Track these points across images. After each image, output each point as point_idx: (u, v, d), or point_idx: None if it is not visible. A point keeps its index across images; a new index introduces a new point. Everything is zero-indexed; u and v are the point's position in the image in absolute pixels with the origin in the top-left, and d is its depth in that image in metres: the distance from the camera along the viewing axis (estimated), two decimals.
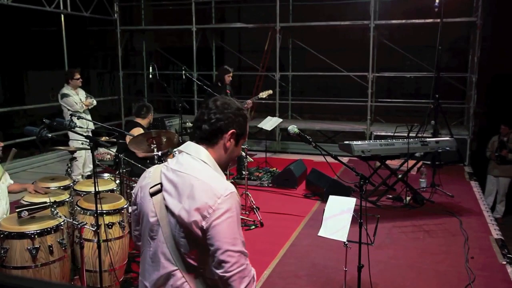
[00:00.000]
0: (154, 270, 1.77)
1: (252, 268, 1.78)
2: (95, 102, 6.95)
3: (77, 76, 6.74)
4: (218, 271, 1.66)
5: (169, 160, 1.83)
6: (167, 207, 1.71)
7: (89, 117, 6.73)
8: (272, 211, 5.59)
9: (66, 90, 6.68)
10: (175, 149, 1.88)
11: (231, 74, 6.99)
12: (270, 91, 7.29)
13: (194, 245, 1.68)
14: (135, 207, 1.86)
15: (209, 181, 1.69)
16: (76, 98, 6.72)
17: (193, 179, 1.69)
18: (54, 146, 5.49)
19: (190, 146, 1.79)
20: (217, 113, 1.77)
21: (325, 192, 5.73)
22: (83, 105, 6.69)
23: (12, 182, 4.02)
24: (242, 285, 1.69)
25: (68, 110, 6.54)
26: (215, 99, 1.83)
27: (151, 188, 1.76)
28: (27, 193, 3.79)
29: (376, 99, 9.64)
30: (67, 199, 3.74)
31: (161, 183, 1.75)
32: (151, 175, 1.81)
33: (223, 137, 1.79)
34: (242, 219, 5.18)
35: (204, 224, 1.63)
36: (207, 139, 1.78)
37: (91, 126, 6.63)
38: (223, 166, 1.84)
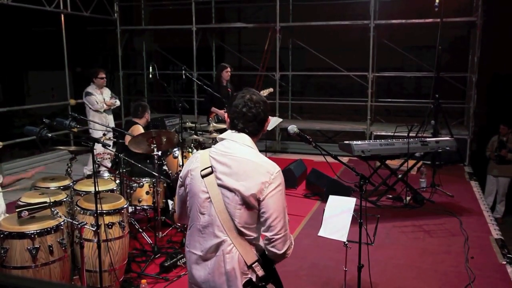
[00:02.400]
0: (206, 240, 2.08)
1: (291, 236, 2.15)
2: (118, 103, 7.15)
3: (102, 75, 6.89)
4: (268, 234, 2.04)
5: (213, 146, 2.14)
6: (221, 185, 2.03)
7: (111, 116, 7.01)
8: None
9: (90, 89, 6.86)
10: (218, 136, 2.19)
11: (228, 69, 6.99)
12: (271, 89, 7.29)
13: (248, 215, 2.02)
14: (182, 188, 2.18)
15: (260, 161, 2.05)
16: (99, 98, 6.89)
17: (245, 161, 2.03)
18: (54, 146, 5.49)
19: (233, 134, 2.11)
20: (262, 109, 2.10)
21: (325, 192, 5.73)
22: (104, 104, 6.86)
23: (1, 176, 4.02)
24: (284, 247, 2.07)
25: (90, 108, 6.76)
26: (250, 94, 2.12)
27: (202, 170, 2.07)
28: (25, 193, 3.78)
29: (376, 99, 9.64)
30: (65, 199, 3.73)
31: (211, 166, 2.06)
32: (199, 160, 2.11)
33: (265, 125, 2.16)
34: None
35: (260, 196, 2.00)
36: (254, 132, 2.12)
37: (112, 123, 6.94)
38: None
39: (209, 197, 2.05)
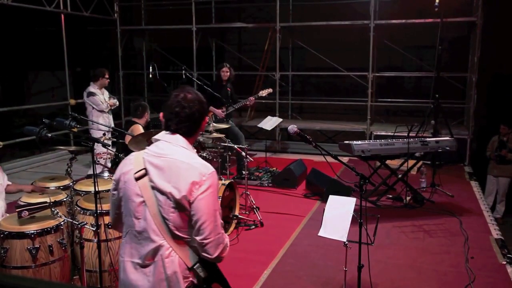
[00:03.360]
0: (143, 246, 2.01)
1: (227, 237, 2.10)
2: (117, 103, 7.24)
3: (107, 75, 7.02)
4: (197, 238, 1.96)
5: (147, 148, 2.07)
6: (154, 188, 1.97)
7: (111, 116, 7.14)
8: (272, 211, 5.59)
9: (92, 89, 6.89)
10: (152, 138, 2.12)
11: (224, 69, 6.99)
12: (270, 90, 7.29)
13: (181, 218, 1.96)
14: (115, 192, 2.10)
15: (193, 162, 1.99)
16: (101, 98, 6.97)
17: (178, 162, 1.97)
18: (54, 146, 5.50)
19: (166, 136, 2.06)
20: (196, 108, 2.04)
21: (325, 192, 5.73)
22: (108, 104, 6.97)
23: (9, 183, 4.03)
24: (216, 251, 2.00)
25: (93, 108, 6.83)
26: (184, 93, 2.06)
27: (135, 173, 2.00)
28: (25, 193, 3.78)
29: (376, 99, 9.63)
30: (65, 199, 3.73)
31: (145, 168, 1.99)
32: (133, 162, 2.05)
33: (201, 125, 2.11)
34: (242, 219, 5.20)
35: (191, 198, 1.93)
36: (188, 133, 2.06)
37: (112, 124, 7.07)
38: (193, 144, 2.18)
39: (144, 201, 1.98)
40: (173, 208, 1.95)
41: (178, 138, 2.04)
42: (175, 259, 1.97)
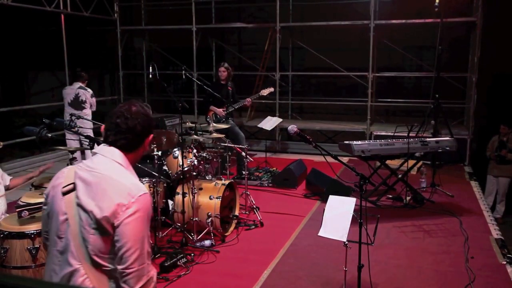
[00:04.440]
0: (61, 268, 1.82)
1: (153, 269, 1.86)
2: None
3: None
4: (119, 266, 1.75)
5: (83, 161, 1.92)
6: (79, 205, 1.78)
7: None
8: (272, 211, 5.59)
9: (90, 89, 7.16)
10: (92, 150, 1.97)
11: (221, 68, 7.00)
12: (272, 89, 7.29)
13: (102, 241, 1.75)
14: (46, 207, 1.91)
15: (124, 181, 1.80)
16: None
17: (107, 178, 1.79)
18: (54, 146, 5.50)
19: (103, 148, 1.88)
20: (139, 121, 1.88)
21: (325, 192, 5.73)
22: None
23: (10, 177, 4.03)
24: (138, 284, 1.77)
25: (89, 108, 7.10)
26: (129, 105, 1.91)
27: (64, 187, 1.83)
28: (25, 193, 3.78)
29: (376, 99, 9.63)
30: None
31: (74, 183, 1.82)
32: (65, 175, 1.88)
33: (144, 142, 1.94)
34: (242, 219, 5.19)
35: (115, 221, 1.73)
36: (128, 148, 1.89)
37: None
38: (134, 164, 1.97)
39: (67, 218, 1.80)
40: (93, 229, 1.75)
41: (114, 152, 1.86)
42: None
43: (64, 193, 1.82)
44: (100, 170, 1.81)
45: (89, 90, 7.10)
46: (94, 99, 7.14)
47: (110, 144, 1.88)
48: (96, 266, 1.78)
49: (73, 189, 1.81)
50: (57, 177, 1.91)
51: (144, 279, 1.78)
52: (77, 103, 7.02)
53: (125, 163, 1.88)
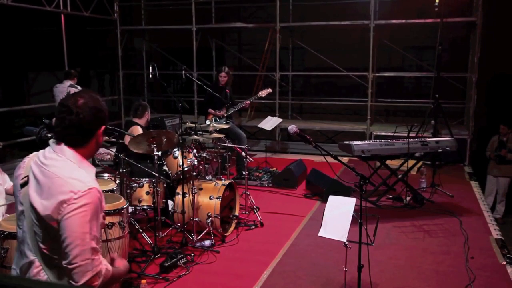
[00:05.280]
0: (21, 257, 1.87)
1: (101, 264, 1.82)
2: None
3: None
4: (63, 262, 1.75)
5: (39, 154, 1.88)
6: (30, 200, 1.80)
7: None
8: (272, 211, 5.59)
9: (78, 86, 7.32)
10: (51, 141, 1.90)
11: (222, 74, 6.98)
12: (270, 90, 7.29)
13: (49, 237, 1.77)
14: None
15: (69, 178, 1.77)
16: None
17: (53, 176, 1.77)
18: None
19: (53, 144, 1.85)
20: (84, 115, 1.80)
21: (325, 192, 5.73)
22: None
23: (11, 183, 4.03)
24: (83, 279, 1.75)
25: None
26: (76, 97, 1.83)
27: (22, 179, 1.86)
28: None
29: (376, 99, 9.64)
30: None
31: (27, 176, 1.84)
32: (24, 166, 1.89)
33: (96, 135, 1.88)
34: (242, 219, 5.19)
35: (58, 217, 1.73)
36: (76, 143, 1.84)
37: None
38: (92, 155, 1.98)
39: (23, 210, 1.83)
40: (40, 226, 1.77)
41: (63, 149, 1.82)
42: (42, 279, 1.79)
43: (21, 185, 1.84)
44: (49, 167, 1.79)
45: (78, 87, 7.24)
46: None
47: (58, 140, 1.83)
48: (48, 259, 1.80)
49: (27, 182, 1.83)
50: (18, 167, 1.91)
51: (88, 275, 1.76)
52: None
53: (76, 159, 1.83)
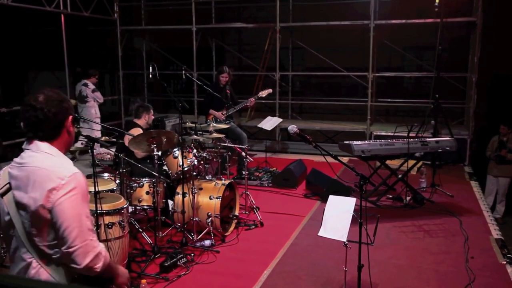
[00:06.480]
0: (16, 264, 1.88)
1: (100, 245, 1.87)
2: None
3: (97, 76, 8.30)
4: (63, 248, 1.78)
5: (14, 159, 1.92)
6: (16, 203, 1.82)
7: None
8: (272, 211, 5.59)
9: (92, 86, 8.03)
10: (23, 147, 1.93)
11: (224, 75, 6.97)
12: (270, 90, 7.29)
13: (45, 230, 1.80)
14: None
15: (52, 167, 1.81)
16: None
17: (35, 169, 1.81)
18: None
19: (27, 144, 1.89)
20: (48, 109, 1.84)
21: (325, 192, 5.73)
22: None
23: None
24: (85, 259, 1.78)
25: (96, 101, 8.07)
26: (35, 95, 1.86)
27: (0, 188, 1.86)
28: None
29: (376, 99, 9.64)
30: None
31: (9, 182, 1.86)
32: (1, 177, 1.91)
33: (65, 126, 1.92)
34: (242, 219, 5.19)
35: (49, 205, 1.76)
36: (49, 137, 1.88)
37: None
38: (69, 147, 2.00)
39: (11, 218, 1.84)
40: (33, 221, 1.79)
41: (38, 144, 1.86)
42: (42, 277, 1.81)
43: (2, 194, 1.86)
44: (28, 163, 1.83)
45: (90, 87, 7.98)
46: (96, 93, 8.03)
47: (30, 139, 1.87)
48: (46, 256, 1.83)
49: (10, 189, 1.84)
50: None
51: (90, 255, 1.79)
52: (81, 98, 8.01)
53: (53, 151, 1.88)
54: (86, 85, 7.98)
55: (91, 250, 1.80)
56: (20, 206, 1.81)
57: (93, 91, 8.01)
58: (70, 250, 1.76)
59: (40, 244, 1.81)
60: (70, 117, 1.94)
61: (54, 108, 1.86)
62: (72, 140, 2.00)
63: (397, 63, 10.71)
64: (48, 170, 1.80)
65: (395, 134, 6.56)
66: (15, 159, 1.91)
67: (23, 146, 1.91)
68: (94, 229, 1.87)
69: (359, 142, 5.58)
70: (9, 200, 1.85)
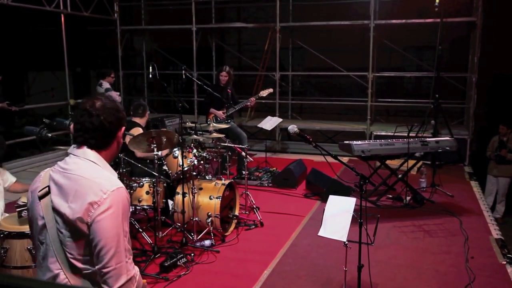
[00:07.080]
0: (44, 273, 1.79)
1: (135, 268, 1.79)
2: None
3: (113, 74, 8.28)
4: (97, 266, 1.70)
5: (58, 162, 1.86)
6: (53, 209, 1.75)
7: None
8: (272, 211, 5.59)
9: (105, 85, 7.98)
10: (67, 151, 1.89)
11: (223, 73, 6.97)
12: (271, 90, 7.29)
13: (79, 244, 1.72)
14: (28, 212, 1.89)
15: (96, 178, 1.74)
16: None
17: (79, 178, 1.74)
18: (54, 146, 5.50)
19: (74, 149, 1.83)
20: (104, 117, 1.80)
21: (325, 192, 5.73)
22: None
23: (14, 180, 4.01)
24: (117, 283, 1.69)
25: None
26: (93, 100, 1.83)
27: (39, 191, 1.79)
28: (25, 193, 3.78)
29: (376, 99, 9.64)
30: None
31: (48, 186, 1.78)
32: (41, 179, 1.84)
33: (117, 136, 1.88)
34: (242, 219, 5.19)
35: (89, 219, 1.68)
36: (99, 145, 1.83)
37: None
38: (113, 158, 1.94)
39: (45, 223, 1.76)
40: (69, 232, 1.72)
41: (86, 152, 1.81)
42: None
43: (40, 197, 1.78)
44: (72, 170, 1.77)
45: (103, 86, 7.98)
46: (110, 93, 7.92)
47: (80, 144, 1.81)
48: (76, 270, 1.75)
49: (48, 192, 1.77)
50: (34, 181, 1.86)
51: (123, 278, 1.71)
52: None
53: (100, 161, 1.82)
54: (100, 85, 8.05)
55: (125, 273, 1.72)
56: (57, 213, 1.74)
57: (106, 90, 7.93)
58: (104, 270, 1.69)
59: (71, 256, 1.74)
60: (123, 128, 1.90)
61: (110, 117, 1.81)
62: (118, 152, 1.96)
63: (397, 63, 10.70)
64: (91, 181, 1.73)
65: (395, 134, 6.56)
66: (59, 163, 1.83)
67: (68, 151, 1.85)
68: (130, 248, 1.78)
69: (359, 142, 5.58)
70: (46, 205, 1.77)
